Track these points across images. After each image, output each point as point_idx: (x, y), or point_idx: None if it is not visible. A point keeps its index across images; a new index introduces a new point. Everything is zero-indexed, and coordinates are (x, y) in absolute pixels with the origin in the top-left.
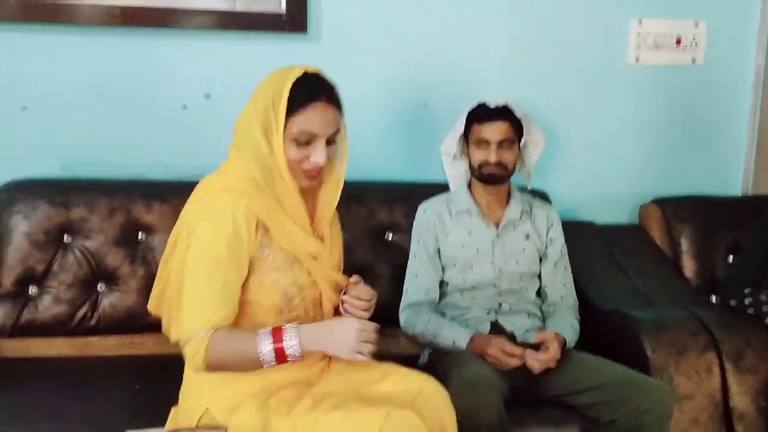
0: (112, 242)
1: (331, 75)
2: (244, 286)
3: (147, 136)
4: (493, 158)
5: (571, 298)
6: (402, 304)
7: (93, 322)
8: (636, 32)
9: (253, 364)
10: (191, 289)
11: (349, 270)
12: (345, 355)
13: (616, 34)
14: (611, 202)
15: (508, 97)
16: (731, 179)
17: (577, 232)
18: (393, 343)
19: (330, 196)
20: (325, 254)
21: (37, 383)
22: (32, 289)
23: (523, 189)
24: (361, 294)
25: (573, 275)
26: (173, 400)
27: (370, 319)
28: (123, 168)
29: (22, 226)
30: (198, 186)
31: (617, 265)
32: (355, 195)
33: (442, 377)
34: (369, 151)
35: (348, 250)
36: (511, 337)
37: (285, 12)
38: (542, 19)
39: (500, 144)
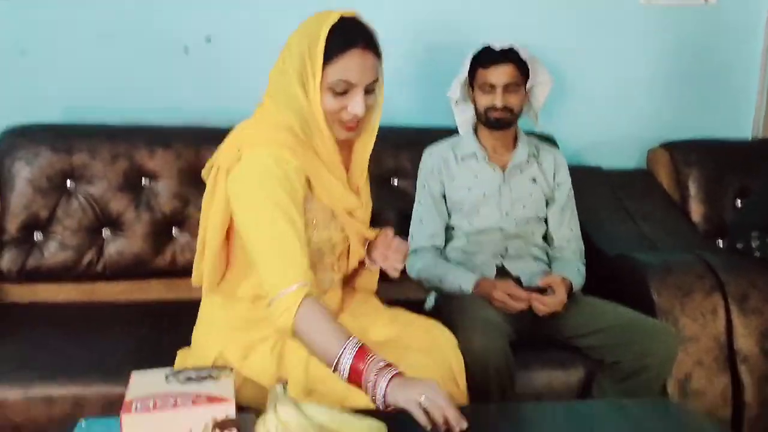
0: (116, 188)
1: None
2: None
3: (148, 80)
4: (499, 102)
5: (578, 242)
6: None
7: (99, 267)
8: None
9: (324, 361)
10: (264, 246)
11: None
12: (410, 398)
13: None
14: (619, 146)
15: (514, 39)
16: (742, 123)
17: (583, 178)
18: (399, 288)
19: (365, 146)
20: (361, 210)
21: (44, 328)
22: (37, 235)
23: (530, 133)
24: (399, 247)
25: (579, 220)
26: (179, 344)
27: None
28: (125, 113)
29: (25, 172)
30: (233, 134)
31: (624, 210)
32: None
33: (449, 322)
34: None
35: None
36: (517, 282)
37: None
38: None
39: (506, 88)
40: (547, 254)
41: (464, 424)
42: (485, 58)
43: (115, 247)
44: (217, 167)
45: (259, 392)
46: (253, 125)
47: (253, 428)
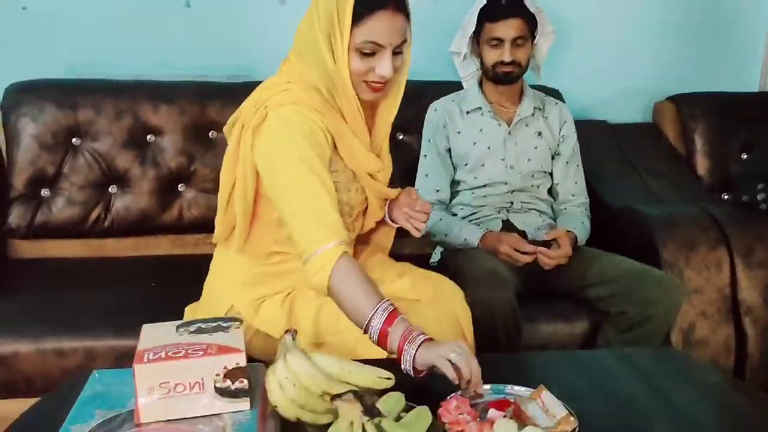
0: (121, 144)
1: None
2: None
3: (150, 35)
4: (507, 57)
5: (583, 196)
6: None
7: (107, 223)
8: None
9: (355, 321)
10: (296, 205)
11: None
12: (441, 354)
13: None
14: (625, 100)
15: None
16: (749, 75)
17: (589, 131)
18: (404, 242)
19: (390, 109)
20: (383, 172)
21: (54, 283)
22: (44, 192)
23: (535, 86)
24: (423, 207)
25: (585, 174)
26: (187, 299)
27: None
28: (128, 69)
29: (30, 128)
30: (259, 91)
31: (629, 164)
32: None
33: (455, 275)
34: None
35: None
36: (522, 235)
37: None
38: None
39: (514, 42)
40: (552, 208)
41: (482, 390)
42: (492, 11)
43: (122, 203)
44: (241, 125)
45: (269, 344)
46: (280, 84)
47: (263, 377)
